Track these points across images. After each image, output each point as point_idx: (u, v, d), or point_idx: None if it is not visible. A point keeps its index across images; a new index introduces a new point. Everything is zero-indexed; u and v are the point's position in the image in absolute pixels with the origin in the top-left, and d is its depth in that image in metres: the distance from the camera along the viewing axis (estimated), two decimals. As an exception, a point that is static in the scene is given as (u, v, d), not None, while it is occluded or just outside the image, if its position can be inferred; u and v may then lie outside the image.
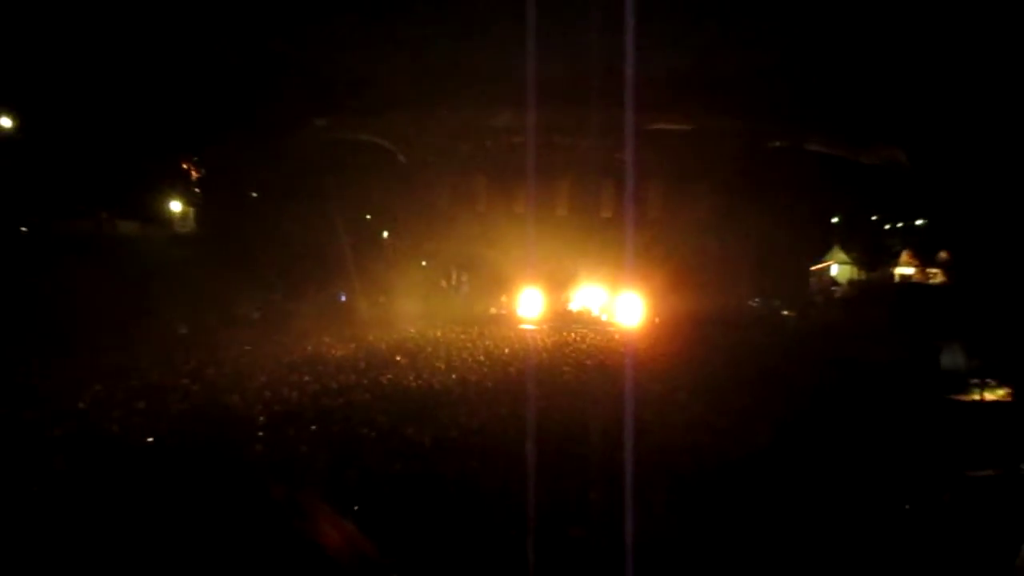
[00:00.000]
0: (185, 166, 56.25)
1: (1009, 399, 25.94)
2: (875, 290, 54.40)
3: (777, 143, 54.88)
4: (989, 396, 26.45)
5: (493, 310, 46.73)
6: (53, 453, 14.49)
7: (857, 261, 60.51)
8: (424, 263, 52.54)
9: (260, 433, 16.84)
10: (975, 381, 27.79)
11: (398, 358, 29.24)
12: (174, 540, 0.79)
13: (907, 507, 8.55)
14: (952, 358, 30.44)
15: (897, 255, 61.06)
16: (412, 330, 37.06)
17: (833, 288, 57.78)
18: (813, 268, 58.23)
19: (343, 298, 45.77)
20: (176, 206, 54.06)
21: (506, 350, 32.22)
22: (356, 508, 11.15)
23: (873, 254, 61.37)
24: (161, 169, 53.14)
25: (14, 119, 50.83)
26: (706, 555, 7.64)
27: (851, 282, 58.91)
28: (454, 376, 25.87)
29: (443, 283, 52.43)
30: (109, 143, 48.44)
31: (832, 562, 6.64)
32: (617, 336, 38.28)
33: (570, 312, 46.41)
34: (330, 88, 58.43)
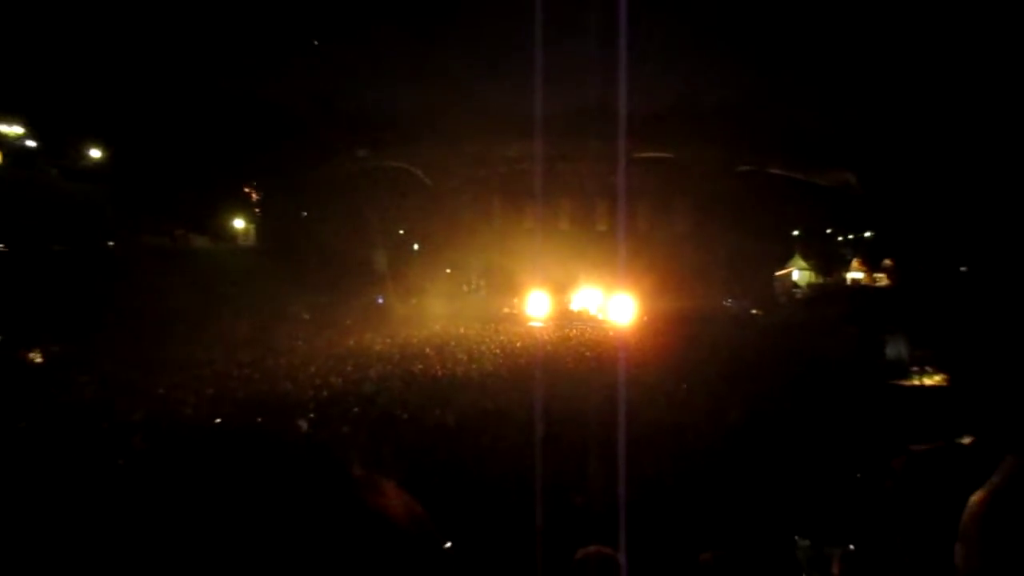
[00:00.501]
0: (247, 190, 56.44)
1: (945, 384, 25.83)
2: (830, 292, 54.34)
3: (745, 168, 54.74)
4: (928, 381, 26.34)
5: (506, 310, 46.62)
6: (133, 433, 14.52)
7: (814, 267, 60.49)
8: (448, 270, 52.54)
9: (311, 415, 16.83)
10: (915, 368, 27.70)
11: (427, 351, 29.21)
12: (245, 511, 0.77)
13: (858, 475, 8.52)
14: (895, 349, 30.35)
15: (848, 262, 61.04)
16: (438, 327, 37.03)
17: (794, 290, 57.68)
18: (777, 273, 58.07)
19: (380, 300, 45.75)
20: (239, 224, 54.17)
21: (517, 344, 32.18)
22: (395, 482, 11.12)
23: (828, 261, 61.37)
24: (227, 193, 53.32)
25: (104, 151, 51.08)
26: (687, 517, 7.61)
27: (809, 285, 58.86)
28: (474, 366, 25.86)
29: (464, 287, 52.42)
30: (184, 172, 48.65)
31: (795, 520, 6.61)
32: (611, 332, 38.20)
33: (571, 311, 46.28)
34: (369, 124, 58.62)
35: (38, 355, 30.04)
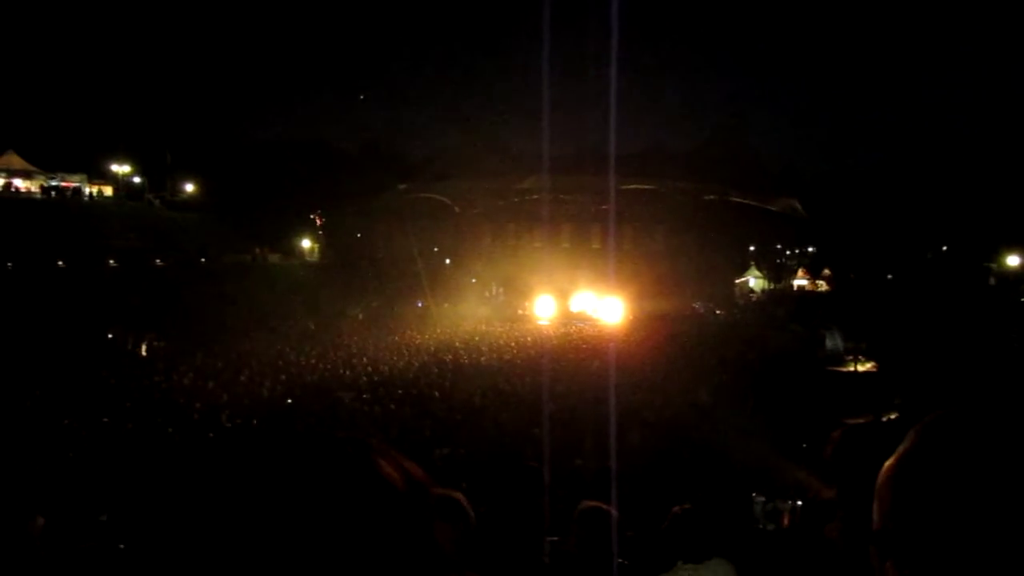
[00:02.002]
0: (313, 217, 56.75)
1: (874, 370, 25.68)
2: (779, 296, 54.26)
3: (711, 197, 54.69)
4: (860, 368, 26.17)
5: (519, 312, 46.51)
6: (219, 412, 14.55)
7: (767, 276, 60.44)
8: (473, 280, 52.54)
9: (364, 395, 16.85)
10: (849, 357, 27.54)
11: (457, 344, 29.16)
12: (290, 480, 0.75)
13: (804, 445, 8.44)
14: (832, 341, 30.15)
15: (794, 271, 60.98)
16: (466, 326, 36.94)
17: (750, 294, 57.52)
18: (736, 281, 57.95)
19: (420, 304, 45.74)
20: (306, 243, 54.40)
21: (528, 338, 32.11)
22: (435, 451, 11.12)
23: (778, 271, 61.35)
24: (297, 219, 53.63)
25: (197, 186, 51.50)
26: (664, 477, 7.56)
27: (763, 290, 58.70)
28: (494, 356, 25.83)
29: (486, 294, 52.35)
30: (262, 203, 49.01)
31: (752, 480, 6.54)
32: (604, 328, 38.10)
33: (571, 312, 46.14)
34: (409, 164, 59.05)
35: (144, 349, 30.20)
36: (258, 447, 0.82)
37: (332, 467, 0.78)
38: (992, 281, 49.66)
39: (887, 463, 0.82)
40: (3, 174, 44.29)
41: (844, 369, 26.54)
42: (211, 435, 12.54)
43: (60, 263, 34.04)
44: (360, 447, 0.81)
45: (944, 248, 56.55)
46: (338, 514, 0.76)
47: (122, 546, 4.98)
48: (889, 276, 52.56)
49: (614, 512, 3.58)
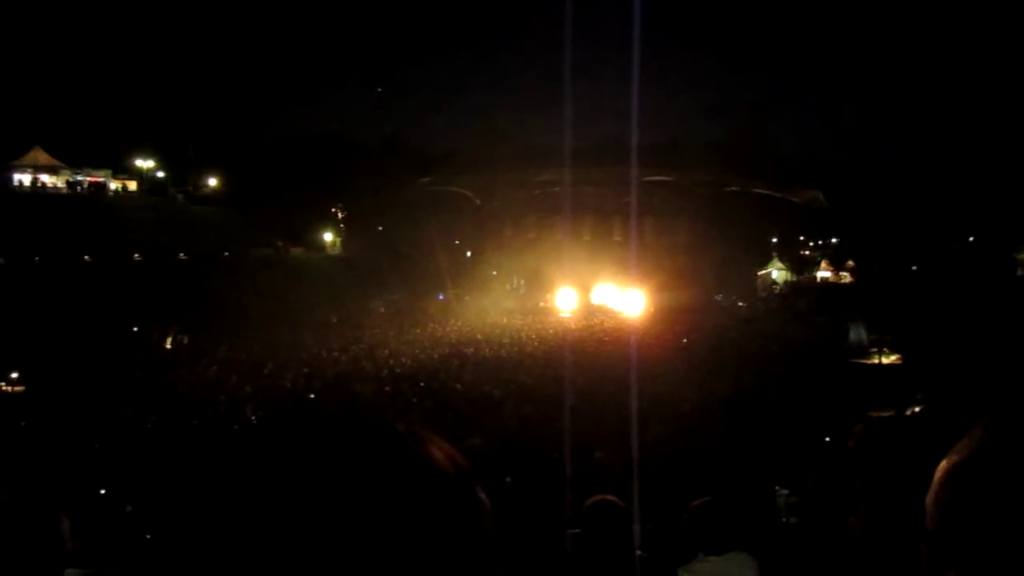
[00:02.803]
0: (334, 210, 56.96)
1: (899, 363, 25.43)
2: (802, 288, 53.87)
3: (733, 188, 54.36)
4: (884, 360, 25.92)
5: (541, 304, 46.48)
6: (243, 404, 14.66)
7: (789, 268, 59.97)
8: (494, 272, 52.54)
9: (386, 388, 16.89)
10: (874, 350, 27.28)
11: (478, 337, 29.18)
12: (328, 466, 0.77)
13: (827, 439, 8.40)
14: (856, 334, 29.89)
15: (817, 263, 60.52)
16: (487, 318, 36.96)
17: (773, 286, 57.15)
18: (759, 273, 57.57)
19: (441, 297, 45.81)
20: (329, 237, 54.61)
21: (550, 331, 32.06)
22: (467, 442, 11.13)
23: (800, 263, 60.90)
24: (319, 213, 53.85)
25: (220, 181, 51.84)
26: (685, 470, 7.54)
27: (785, 282, 58.29)
28: (515, 349, 25.80)
29: (507, 286, 52.33)
30: (285, 197, 49.25)
31: (776, 473, 6.52)
32: (625, 321, 38.00)
33: (593, 305, 46.05)
34: (430, 158, 59.09)
35: (169, 342, 30.50)
36: (320, 436, 0.84)
37: (390, 453, 0.79)
38: (1020, 272, 49.08)
39: (947, 460, 0.80)
40: (30, 170, 44.81)
41: (868, 362, 26.31)
42: (235, 427, 12.64)
43: (86, 257, 34.41)
44: (411, 434, 0.83)
45: (970, 239, 55.88)
46: (399, 500, 0.77)
47: (148, 536, 5.05)
48: (914, 267, 52.04)
49: (622, 505, 3.58)
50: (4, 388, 20.57)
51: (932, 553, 0.79)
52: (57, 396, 16.22)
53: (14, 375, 21.13)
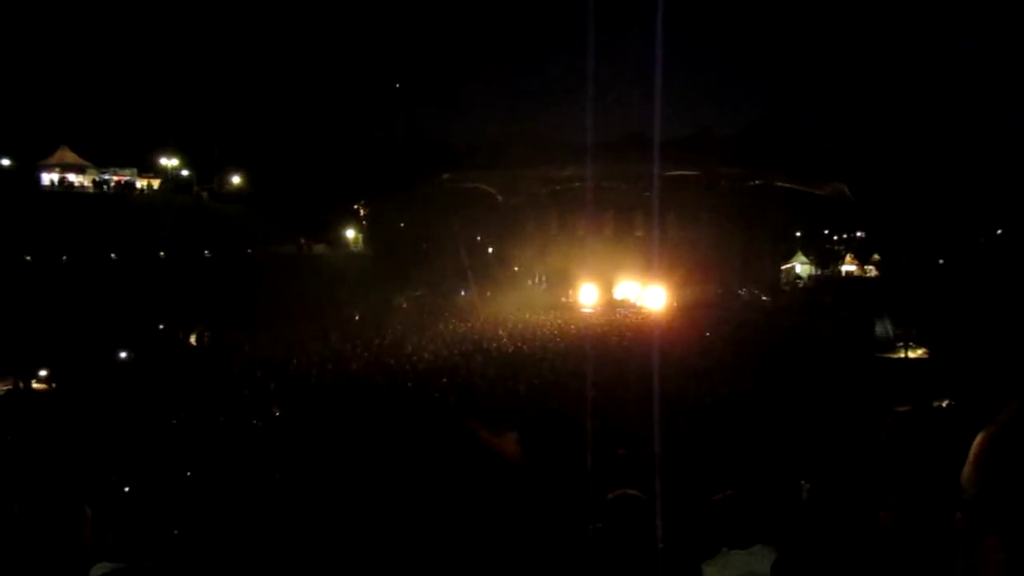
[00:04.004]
0: (357, 207, 57.21)
1: (924, 356, 25.19)
2: (826, 282, 53.52)
3: (756, 182, 54.00)
4: (910, 355, 25.70)
5: (563, 299, 46.51)
6: (270, 401, 14.77)
7: (814, 262, 59.61)
8: (516, 268, 52.60)
9: (408, 384, 16.95)
10: (899, 344, 27.05)
11: (500, 332, 29.21)
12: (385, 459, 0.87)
13: (852, 433, 8.30)
14: (882, 328, 29.65)
15: (842, 257, 60.10)
16: (509, 314, 37.01)
17: (797, 280, 56.82)
18: (783, 267, 57.22)
19: (463, 293, 45.92)
20: (351, 234, 54.82)
21: (572, 327, 32.04)
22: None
23: (825, 257, 60.51)
24: (342, 210, 54.07)
25: (243, 179, 52.17)
26: (708, 464, 7.50)
27: (810, 276, 57.95)
28: (538, 344, 25.78)
29: (529, 282, 52.36)
30: (308, 194, 49.50)
31: (801, 467, 6.46)
32: (648, 316, 37.92)
33: (615, 300, 46.00)
34: (452, 154, 59.19)
35: (194, 339, 30.76)
36: (415, 433, 0.97)
37: (471, 446, 0.93)
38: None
39: (985, 431, 0.81)
40: (57, 169, 45.29)
41: (894, 356, 26.10)
42: (258, 423, 12.73)
43: (112, 255, 34.77)
44: (478, 428, 0.97)
45: (998, 232, 55.17)
46: (480, 480, 0.88)
47: (176, 531, 5.09)
48: (941, 261, 51.47)
49: (644, 498, 3.57)
50: (33, 386, 20.85)
51: (971, 520, 0.80)
52: (85, 394, 16.39)
53: (43, 373, 21.41)
